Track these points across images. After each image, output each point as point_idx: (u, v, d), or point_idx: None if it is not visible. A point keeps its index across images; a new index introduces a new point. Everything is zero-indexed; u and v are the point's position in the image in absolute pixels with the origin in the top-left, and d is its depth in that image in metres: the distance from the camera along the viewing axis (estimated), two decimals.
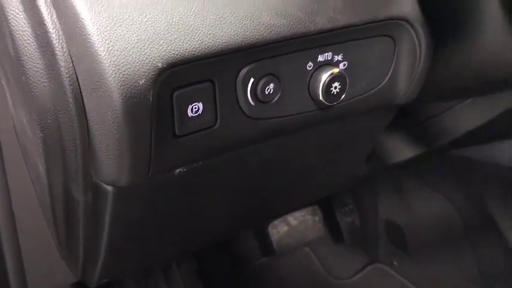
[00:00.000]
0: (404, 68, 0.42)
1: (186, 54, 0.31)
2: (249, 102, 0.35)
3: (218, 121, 0.35)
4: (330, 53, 0.38)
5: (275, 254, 1.08)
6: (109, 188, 0.35)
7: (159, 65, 0.30)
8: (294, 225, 1.11)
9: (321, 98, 0.38)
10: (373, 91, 0.42)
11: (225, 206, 0.50)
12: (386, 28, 0.40)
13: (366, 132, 0.51)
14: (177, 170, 0.36)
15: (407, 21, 0.41)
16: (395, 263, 1.13)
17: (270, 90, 0.36)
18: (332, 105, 0.39)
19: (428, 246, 1.11)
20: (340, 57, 0.39)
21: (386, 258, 1.15)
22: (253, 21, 0.34)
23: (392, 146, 0.72)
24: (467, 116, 0.66)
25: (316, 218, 1.13)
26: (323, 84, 0.37)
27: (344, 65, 0.39)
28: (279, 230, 1.09)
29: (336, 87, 0.38)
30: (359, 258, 1.15)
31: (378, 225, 1.19)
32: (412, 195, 1.14)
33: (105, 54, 0.29)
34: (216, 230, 0.56)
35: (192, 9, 0.32)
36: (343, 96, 0.39)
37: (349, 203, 1.23)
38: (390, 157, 0.72)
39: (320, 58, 0.38)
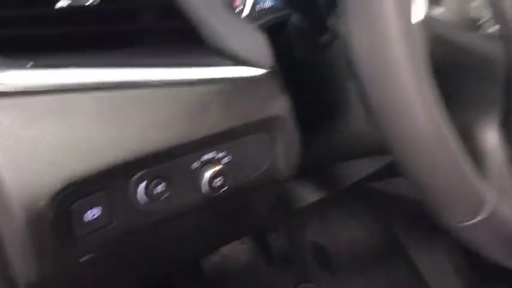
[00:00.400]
0: (281, 154, 0.50)
1: (80, 175, 0.37)
2: (141, 202, 0.42)
3: (114, 221, 0.41)
4: (213, 152, 0.45)
5: (208, 283, 1.15)
6: (21, 280, 0.41)
7: (57, 187, 0.36)
8: (225, 254, 1.19)
9: (204, 191, 0.45)
10: (254, 176, 0.49)
11: (143, 268, 0.56)
12: (262, 126, 0.48)
13: (259, 201, 0.59)
14: (82, 259, 0.42)
15: (280, 118, 0.49)
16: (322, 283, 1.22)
17: (160, 190, 0.43)
18: (216, 195, 0.46)
19: (351, 267, 1.21)
20: (222, 154, 0.46)
21: (314, 279, 1.24)
22: (140, 138, 0.40)
23: (298, 192, 0.80)
24: (359, 165, 0.76)
25: (245, 246, 1.21)
26: (206, 180, 0.45)
27: (227, 159, 0.47)
28: (210, 260, 1.16)
29: (218, 181, 0.45)
30: (289, 280, 1.23)
31: (305, 248, 1.28)
32: (335, 220, 1.25)
33: (8, 182, 0.35)
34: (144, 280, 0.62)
35: (86, 135, 0.38)
36: (226, 187, 0.46)
37: (278, 228, 1.31)
38: (296, 202, 0.80)
39: (204, 158, 0.45)
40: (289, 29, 0.56)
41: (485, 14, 0.38)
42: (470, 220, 0.36)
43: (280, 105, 0.49)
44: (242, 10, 0.60)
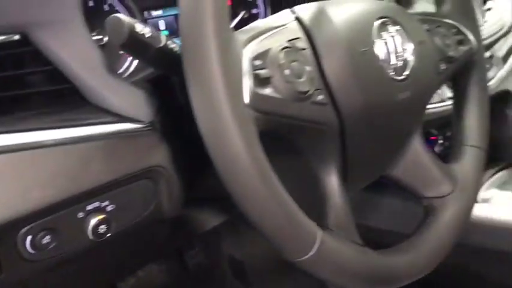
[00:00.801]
0: (165, 197, 0.56)
1: None
2: (29, 253, 0.47)
3: (3, 272, 0.46)
4: (97, 202, 0.51)
5: None
6: None
7: None
8: (142, 276, 1.22)
9: (91, 238, 0.50)
10: (140, 219, 0.55)
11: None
12: (144, 175, 0.54)
13: (152, 236, 0.65)
14: None
15: (160, 167, 0.55)
16: None
17: (46, 241, 0.47)
18: (104, 239, 0.51)
19: (266, 279, 1.29)
20: (106, 203, 0.51)
21: None
22: (23, 198, 0.45)
23: (200, 218, 0.87)
24: None
25: (162, 267, 1.26)
26: (91, 228, 0.50)
27: (111, 207, 0.52)
28: (127, 283, 1.20)
29: (103, 228, 0.50)
30: None
31: (222, 261, 1.35)
32: (248, 234, 1.32)
33: None
34: None
35: None
36: (110, 233, 0.51)
37: (195, 245, 1.36)
38: (199, 227, 0.87)
39: (88, 207, 0.50)
40: (172, 79, 0.62)
41: (312, 87, 0.46)
42: (304, 256, 0.44)
43: (160, 156, 0.55)
44: (128, 68, 0.66)
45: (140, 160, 0.53)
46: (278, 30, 0.48)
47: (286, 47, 0.46)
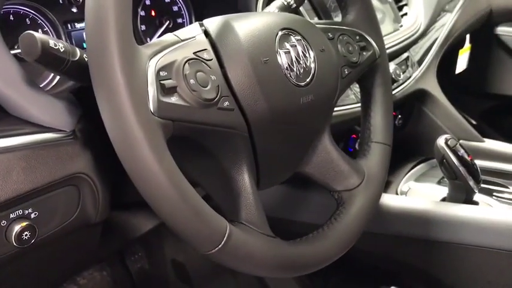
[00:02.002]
0: (90, 203, 0.59)
1: None
2: None
3: None
4: (20, 210, 0.53)
5: None
6: None
7: None
8: (83, 284, 1.23)
9: (15, 244, 0.52)
10: (65, 224, 0.57)
11: None
12: (67, 182, 0.56)
13: (81, 242, 0.67)
14: None
15: (83, 174, 0.57)
16: None
17: None
18: (28, 246, 0.54)
19: (209, 280, 1.32)
20: (30, 210, 0.54)
21: None
22: None
23: (133, 223, 0.89)
24: None
25: (104, 273, 1.27)
26: (15, 235, 0.52)
27: (34, 214, 0.54)
28: None
29: (26, 235, 0.53)
30: None
31: (165, 265, 1.37)
32: None
33: None
34: None
35: None
36: (34, 239, 0.54)
37: (138, 251, 1.37)
38: (132, 232, 0.89)
39: (12, 215, 0.52)
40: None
41: (218, 94, 0.50)
42: (214, 248, 0.48)
43: (81, 163, 0.57)
44: (52, 80, 0.69)
45: (62, 168, 0.56)
46: (185, 42, 0.52)
47: (192, 59, 0.50)
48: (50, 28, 0.72)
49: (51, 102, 0.57)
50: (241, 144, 0.54)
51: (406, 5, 1.32)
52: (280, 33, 0.58)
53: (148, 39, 0.87)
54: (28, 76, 0.56)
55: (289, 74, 0.57)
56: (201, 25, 0.56)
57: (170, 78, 0.47)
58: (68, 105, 0.59)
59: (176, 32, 0.54)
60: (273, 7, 0.76)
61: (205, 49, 0.53)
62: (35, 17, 0.71)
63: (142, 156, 0.44)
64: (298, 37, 0.60)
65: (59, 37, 0.73)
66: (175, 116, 0.47)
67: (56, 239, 0.58)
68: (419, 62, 1.25)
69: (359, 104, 0.96)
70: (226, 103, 0.51)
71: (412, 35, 1.22)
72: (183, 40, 0.52)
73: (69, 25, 0.75)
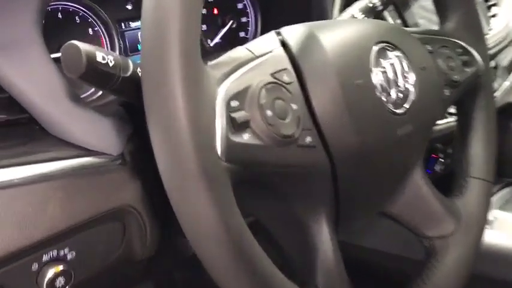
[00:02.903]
0: (136, 239, 0.50)
1: None
2: None
3: None
4: (55, 250, 0.44)
5: None
6: None
7: None
8: None
9: None
10: (106, 264, 0.49)
11: None
12: (111, 217, 0.48)
13: (122, 276, 0.59)
14: None
15: (130, 207, 0.48)
16: None
17: None
18: None
19: None
20: (66, 251, 0.45)
21: None
22: None
23: (174, 248, 0.81)
24: None
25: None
26: (47, 282, 0.44)
27: (71, 255, 0.46)
28: None
29: (60, 281, 0.44)
30: None
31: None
32: None
33: None
34: None
35: None
36: (69, 284, 0.45)
37: (188, 270, 1.29)
38: (175, 258, 0.81)
39: (45, 258, 0.44)
40: None
41: (298, 128, 0.40)
42: None
43: (129, 194, 0.49)
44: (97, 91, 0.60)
45: (106, 200, 0.47)
46: (261, 60, 0.42)
47: (269, 83, 0.39)
48: (102, 27, 0.64)
49: (96, 120, 0.49)
50: (321, 187, 0.44)
51: (495, 5, 1.16)
52: (375, 47, 0.47)
53: (209, 40, 0.77)
54: (70, 87, 0.48)
55: (385, 99, 0.46)
56: (278, 34, 0.46)
57: (243, 110, 0.37)
58: (116, 122, 0.50)
59: (249, 46, 0.43)
60: (355, 9, 0.65)
61: (285, 69, 0.42)
62: (86, 14, 0.62)
63: (205, 216, 0.34)
64: (397, 52, 0.48)
65: (111, 38, 0.65)
66: (246, 159, 0.37)
67: (91, 281, 0.49)
68: (509, 71, 1.10)
69: (445, 120, 0.84)
70: (308, 139, 0.41)
71: (503, 40, 1.07)
72: (258, 56, 0.42)
73: (123, 24, 0.66)
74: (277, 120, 0.39)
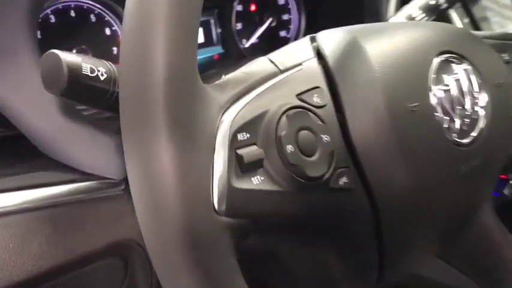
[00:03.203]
0: (140, 277, 0.43)
1: None
2: None
3: None
4: None
5: None
6: None
7: None
8: None
9: None
10: None
11: None
12: (112, 251, 0.41)
13: None
14: None
15: (132, 240, 0.41)
16: None
17: None
18: None
19: None
20: None
21: None
22: None
23: None
24: None
25: None
26: None
27: None
28: None
29: None
30: None
31: None
32: None
33: None
34: None
35: None
36: None
37: None
38: None
39: None
40: None
41: (330, 167, 0.31)
42: None
43: (133, 227, 0.41)
44: None
45: (106, 234, 0.40)
46: (286, 76, 0.33)
47: (293, 107, 0.30)
48: (120, 25, 0.57)
49: (96, 137, 0.42)
50: (360, 241, 0.35)
51: None
52: (436, 60, 0.37)
53: (244, 40, 0.69)
54: (67, 101, 0.40)
55: (447, 126, 0.36)
56: (313, 40, 0.37)
57: (254, 144, 0.29)
58: (119, 141, 0.42)
59: (273, 56, 0.34)
60: (414, 8, 0.54)
61: (317, 87, 0.33)
62: (102, 12, 0.55)
63: None
64: (465, 65, 0.38)
65: None
66: (257, 210, 0.28)
67: None
68: None
69: None
70: (344, 180, 0.32)
71: None
72: (282, 71, 0.33)
73: None
74: (301, 157, 0.30)
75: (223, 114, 0.28)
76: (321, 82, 0.33)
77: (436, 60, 0.37)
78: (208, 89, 0.28)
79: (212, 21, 0.64)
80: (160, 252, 0.26)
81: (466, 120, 0.37)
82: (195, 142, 0.26)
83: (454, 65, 0.38)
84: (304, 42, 0.37)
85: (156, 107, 0.25)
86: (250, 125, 0.29)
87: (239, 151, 0.28)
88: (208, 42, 0.64)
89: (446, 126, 0.36)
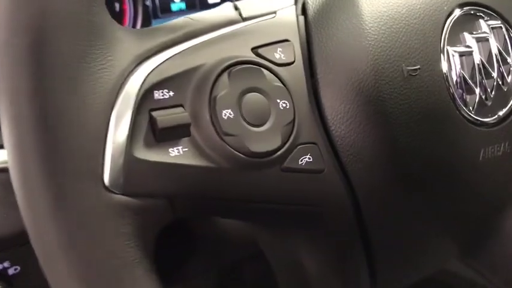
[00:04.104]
0: None
1: None
2: None
3: None
4: None
5: None
6: None
7: None
8: None
9: None
10: None
11: None
12: None
13: None
14: None
15: None
16: None
17: None
18: None
19: None
20: (6, 264, 0.35)
21: None
22: None
23: None
24: None
25: None
26: None
27: (15, 270, 0.36)
28: None
29: None
30: None
31: None
32: None
33: None
34: None
35: None
36: None
37: None
38: None
39: None
40: None
41: (285, 139, 0.24)
42: None
43: None
44: None
45: None
46: (247, 25, 0.26)
47: (241, 62, 0.24)
48: None
49: None
50: (338, 240, 0.28)
51: None
52: (456, 12, 0.28)
53: None
54: None
55: (463, 100, 0.28)
56: None
57: (180, 106, 0.22)
58: None
59: (241, 2, 0.28)
60: None
61: (286, 41, 0.26)
62: None
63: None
64: (496, 21, 0.29)
65: None
66: (174, 189, 0.22)
67: None
68: None
69: None
70: (307, 158, 0.25)
71: None
72: (245, 19, 0.26)
73: None
74: (242, 126, 0.23)
75: (137, 65, 0.22)
76: (293, 35, 0.27)
77: (456, 14, 0.28)
78: (120, 32, 0.22)
79: None
80: (35, 229, 0.21)
81: (491, 94, 0.29)
82: (86, 96, 0.20)
83: (481, 21, 0.29)
84: None
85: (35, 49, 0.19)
86: (176, 81, 0.22)
87: (155, 113, 0.22)
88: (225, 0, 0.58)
89: (462, 100, 0.28)
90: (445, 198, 0.29)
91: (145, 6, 0.53)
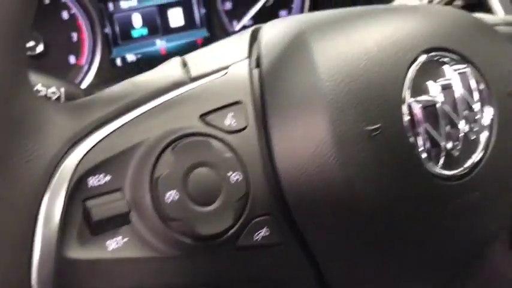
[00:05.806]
0: None
1: None
2: None
3: None
4: None
5: None
6: None
7: None
8: None
9: None
10: None
11: None
12: None
13: None
14: None
15: None
16: None
17: None
18: None
19: None
20: None
21: None
22: None
23: None
24: None
25: None
26: None
27: None
28: None
29: None
30: None
31: None
32: None
33: None
34: None
35: None
36: None
37: None
38: None
39: None
40: None
41: (236, 217, 0.22)
42: None
43: None
44: None
45: None
46: (196, 86, 0.24)
47: (186, 135, 0.22)
48: (80, 9, 0.50)
49: None
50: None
51: None
52: (421, 59, 0.27)
53: (234, 23, 0.60)
54: None
55: (429, 154, 0.26)
56: (254, 34, 0.28)
57: (118, 190, 0.21)
58: None
59: (190, 56, 0.26)
60: None
61: (237, 103, 0.24)
62: None
63: None
64: (462, 66, 0.28)
65: (92, 23, 0.50)
66: (117, 286, 0.20)
67: None
68: None
69: None
70: (263, 233, 0.23)
71: None
72: (193, 79, 0.24)
73: (110, 4, 0.52)
74: (189, 208, 0.21)
75: (70, 148, 0.20)
76: (246, 94, 0.25)
77: (420, 60, 0.27)
78: (50, 113, 0.20)
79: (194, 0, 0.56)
80: None
81: (458, 144, 0.27)
82: (9, 198, 0.18)
83: (446, 67, 0.28)
84: (243, 36, 0.28)
85: None
86: (113, 163, 0.21)
87: (89, 202, 0.20)
88: (190, 24, 0.56)
89: (428, 155, 0.26)
90: (412, 255, 0.28)
91: (104, 34, 0.51)
